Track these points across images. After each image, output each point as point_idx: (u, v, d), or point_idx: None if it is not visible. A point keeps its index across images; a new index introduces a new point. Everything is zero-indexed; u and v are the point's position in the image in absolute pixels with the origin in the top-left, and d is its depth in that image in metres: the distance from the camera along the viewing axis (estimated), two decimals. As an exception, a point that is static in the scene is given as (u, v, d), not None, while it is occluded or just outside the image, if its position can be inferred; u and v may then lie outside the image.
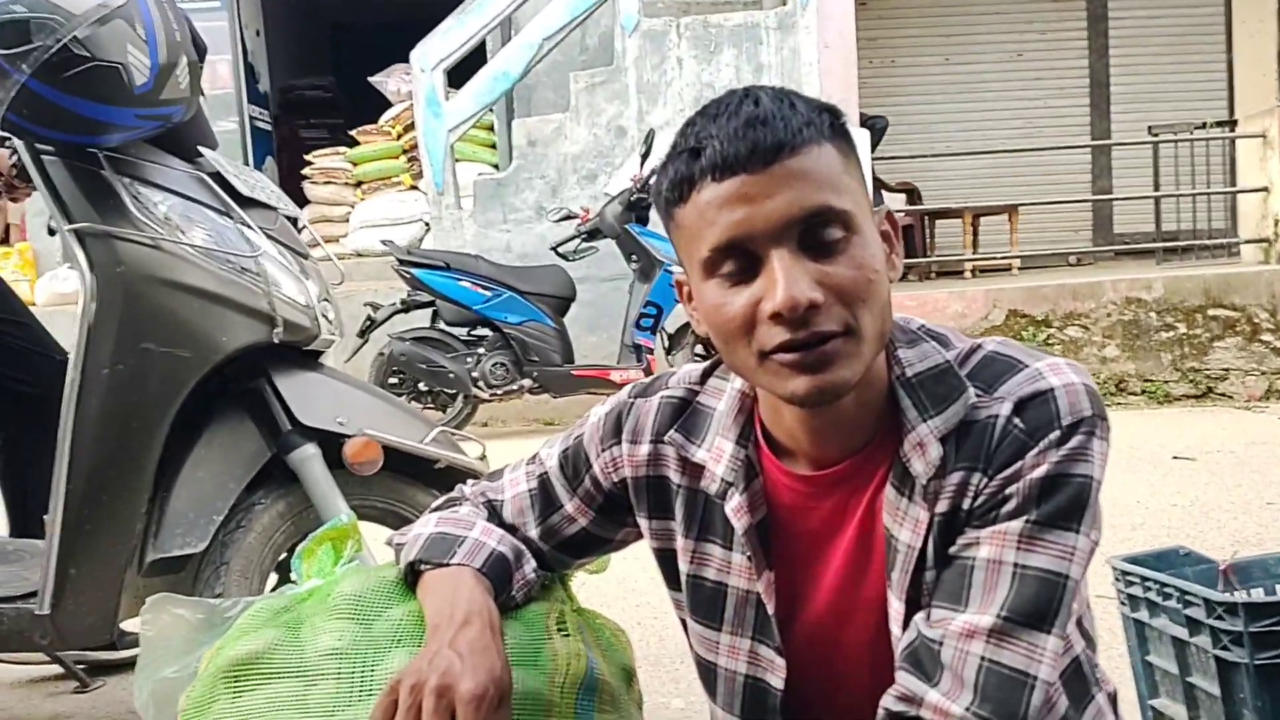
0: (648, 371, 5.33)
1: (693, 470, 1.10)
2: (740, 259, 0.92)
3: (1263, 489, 3.57)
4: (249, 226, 1.87)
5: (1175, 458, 4.10)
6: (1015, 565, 0.93)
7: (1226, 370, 5.61)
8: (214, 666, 1.13)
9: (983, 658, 0.92)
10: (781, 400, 0.96)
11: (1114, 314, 5.68)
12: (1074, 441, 0.93)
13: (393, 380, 5.41)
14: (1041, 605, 0.92)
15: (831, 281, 0.91)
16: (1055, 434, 0.93)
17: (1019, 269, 7.15)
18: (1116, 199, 7.83)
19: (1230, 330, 5.62)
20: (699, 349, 5.49)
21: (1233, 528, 3.13)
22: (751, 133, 0.91)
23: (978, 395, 0.97)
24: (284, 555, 1.93)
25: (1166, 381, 5.61)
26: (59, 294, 6.61)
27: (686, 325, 5.55)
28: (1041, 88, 8.28)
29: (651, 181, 5.35)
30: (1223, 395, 5.58)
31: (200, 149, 1.90)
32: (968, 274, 7.00)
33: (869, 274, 0.92)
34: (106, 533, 1.71)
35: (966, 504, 0.96)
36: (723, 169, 0.91)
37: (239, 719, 1.08)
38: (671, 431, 1.11)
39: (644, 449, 1.12)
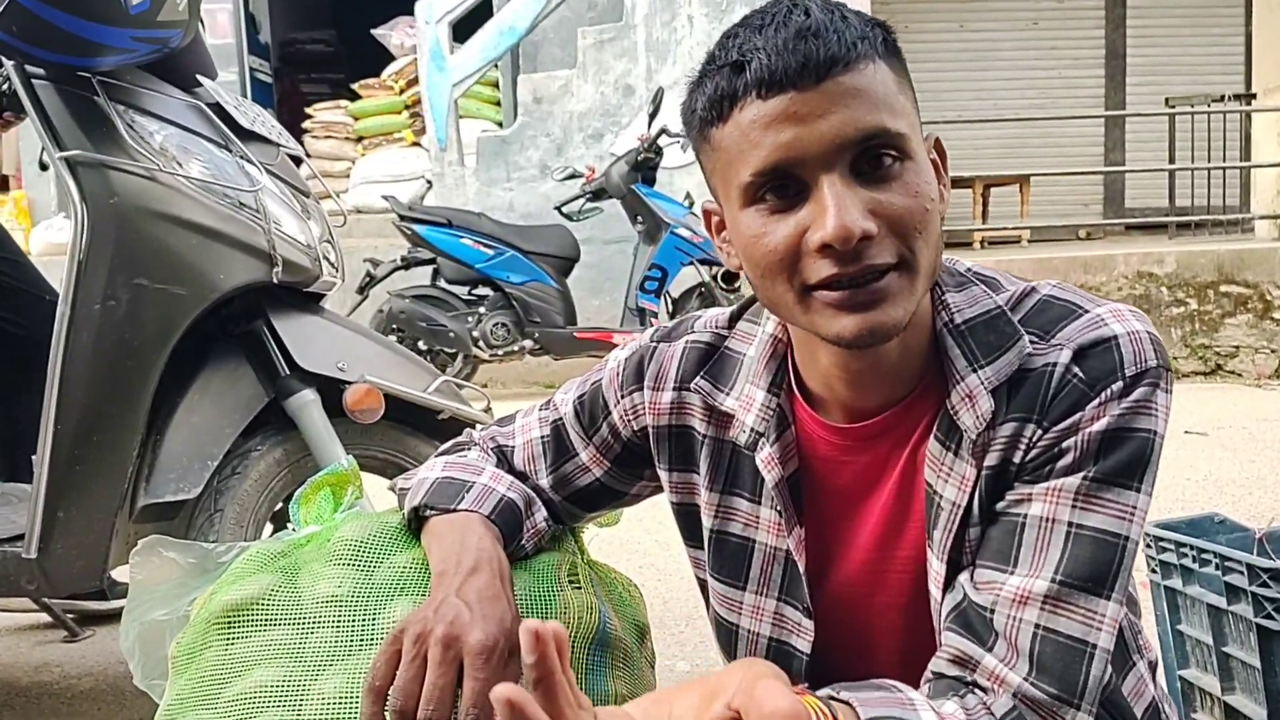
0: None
1: (720, 419, 1.03)
2: (785, 184, 0.84)
3: (1277, 465, 3.52)
4: (249, 161, 1.79)
5: (1187, 433, 4.04)
6: (1070, 524, 0.86)
7: (1237, 347, 5.55)
8: (206, 612, 1.07)
9: (1037, 625, 0.85)
10: (826, 341, 0.87)
11: (1125, 288, 5.61)
12: (1138, 393, 0.86)
13: (391, 338, 5.34)
14: (1099, 568, 0.85)
15: (885, 210, 0.83)
16: (1118, 384, 0.86)
17: (1029, 241, 7.07)
18: (1130, 170, 7.74)
19: (1242, 307, 5.55)
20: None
21: (1248, 502, 3.08)
22: (803, 45, 0.81)
23: (1033, 342, 0.89)
24: (280, 504, 1.87)
25: (1177, 357, 5.54)
26: (54, 243, 6.52)
27: (691, 289, 5.47)
28: (1056, 57, 8.16)
29: (653, 136, 5.32)
30: (1232, 372, 5.52)
31: (199, 78, 1.82)
32: (977, 245, 6.92)
33: (925, 203, 0.84)
34: (97, 475, 1.64)
35: (1018, 457, 0.89)
36: (770, 85, 0.82)
37: (231, 666, 1.02)
38: (698, 378, 1.04)
39: (667, 396, 1.05)
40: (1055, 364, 0.88)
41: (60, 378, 1.62)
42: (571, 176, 5.53)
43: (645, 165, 5.29)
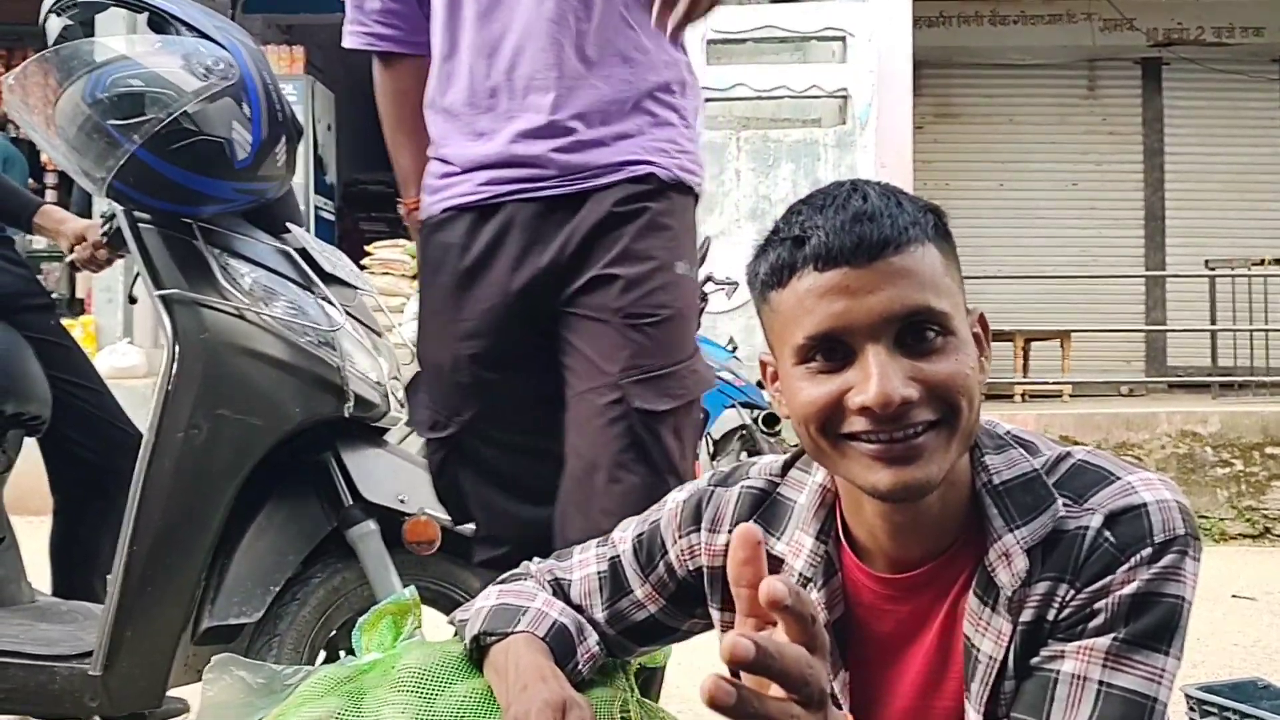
0: (691, 477, 5.30)
1: (771, 563, 1.08)
2: (835, 349, 0.93)
3: (1328, 633, 3.45)
4: (329, 302, 1.92)
5: (1235, 596, 3.97)
6: (1101, 683, 0.90)
7: (1285, 511, 5.47)
8: (274, 733, 1.12)
9: None
10: (863, 491, 0.95)
11: (1168, 447, 5.59)
12: (1166, 560, 0.91)
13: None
14: None
15: (925, 377, 0.91)
16: (1147, 550, 0.91)
17: (1070, 396, 7.09)
18: (1173, 330, 7.79)
19: (1289, 470, 5.50)
20: (743, 457, 5.47)
21: (1298, 671, 3.01)
22: (858, 227, 0.91)
23: (1066, 506, 0.95)
24: (334, 631, 1.92)
25: (1223, 519, 5.47)
26: (117, 368, 6.73)
27: (732, 431, 5.52)
28: (1096, 218, 8.33)
29: (699, 283, 5.48)
30: (1280, 537, 5.43)
31: (288, 225, 1.96)
32: (1018, 398, 6.94)
33: (963, 373, 0.93)
34: (167, 596, 1.71)
35: (1051, 615, 0.94)
36: (826, 260, 0.92)
37: (297, 787, 1.07)
38: (751, 522, 1.10)
39: (723, 539, 1.11)
40: (1088, 528, 0.93)
41: (140, 501, 1.71)
42: (619, 319, 5.67)
43: (691, 310, 5.43)
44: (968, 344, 0.95)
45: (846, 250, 0.91)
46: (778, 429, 5.35)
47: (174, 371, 1.74)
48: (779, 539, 1.08)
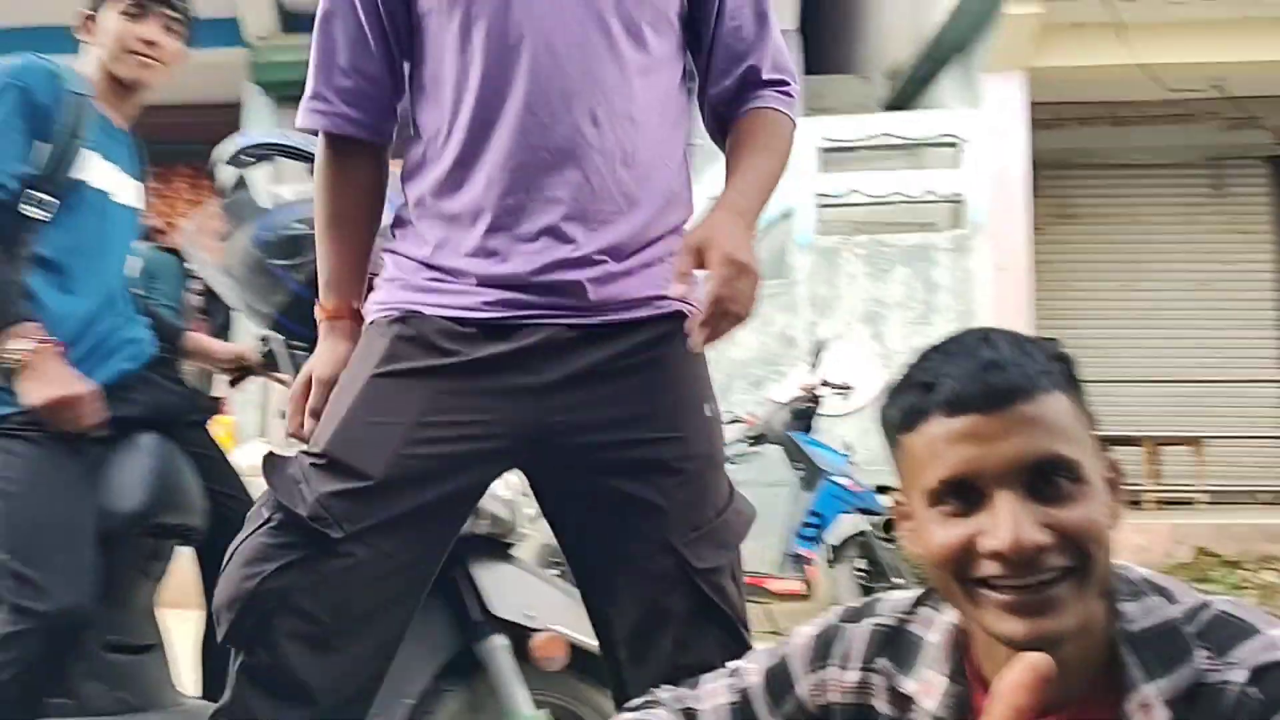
0: (806, 583, 5.23)
1: (901, 701, 1.10)
2: (965, 493, 0.95)
3: None
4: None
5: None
6: None
7: None
8: None
9: None
10: (997, 640, 0.96)
11: (1314, 560, 5.30)
12: None
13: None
14: None
15: (1056, 523, 0.93)
16: None
17: (1205, 504, 6.79)
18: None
19: None
20: (861, 564, 5.36)
21: None
22: (987, 375, 0.95)
23: (1208, 659, 0.95)
24: (462, 745, 1.96)
25: (1379, 639, 5.12)
26: (254, 465, 7.03)
27: (851, 538, 5.44)
28: (1226, 319, 8.04)
29: (813, 385, 5.46)
30: None
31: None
32: (1148, 506, 6.68)
33: (1095, 520, 0.94)
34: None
35: None
36: (955, 406, 0.95)
37: None
38: (881, 659, 1.11)
39: (852, 675, 1.13)
40: (1232, 683, 0.93)
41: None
42: (733, 422, 5.69)
43: (806, 414, 5.43)
44: (1099, 490, 0.96)
45: (976, 398, 0.94)
46: (896, 535, 5.25)
47: None
48: (909, 677, 1.09)
